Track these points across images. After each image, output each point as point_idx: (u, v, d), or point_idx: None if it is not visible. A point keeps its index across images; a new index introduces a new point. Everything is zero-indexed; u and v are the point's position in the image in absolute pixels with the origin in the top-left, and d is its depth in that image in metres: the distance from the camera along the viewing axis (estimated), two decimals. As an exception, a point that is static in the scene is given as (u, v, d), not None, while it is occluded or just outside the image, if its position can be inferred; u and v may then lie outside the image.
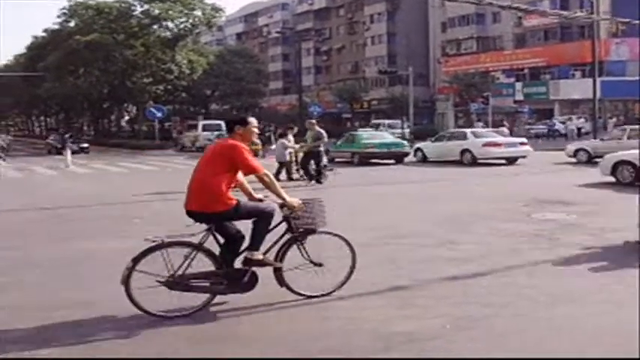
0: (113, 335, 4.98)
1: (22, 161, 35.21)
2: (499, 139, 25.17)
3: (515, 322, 5.11)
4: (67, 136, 37.25)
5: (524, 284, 6.26)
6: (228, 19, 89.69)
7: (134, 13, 55.22)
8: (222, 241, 5.58)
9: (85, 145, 44.54)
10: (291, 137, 19.04)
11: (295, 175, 18.78)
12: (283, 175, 18.23)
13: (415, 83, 53.51)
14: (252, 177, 5.65)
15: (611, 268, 6.86)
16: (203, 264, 5.52)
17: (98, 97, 61.12)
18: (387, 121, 55.03)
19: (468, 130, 27.21)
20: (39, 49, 62.56)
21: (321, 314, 5.49)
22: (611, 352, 4.46)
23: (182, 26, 55.93)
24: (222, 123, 33.82)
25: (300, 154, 18.71)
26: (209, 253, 5.53)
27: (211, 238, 5.54)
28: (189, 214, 5.53)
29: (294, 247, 5.83)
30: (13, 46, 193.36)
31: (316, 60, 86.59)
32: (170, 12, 53.29)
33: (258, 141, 31.70)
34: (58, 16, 57.51)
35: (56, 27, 59.63)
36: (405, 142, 28.09)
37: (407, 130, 46.88)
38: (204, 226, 5.52)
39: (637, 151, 15.61)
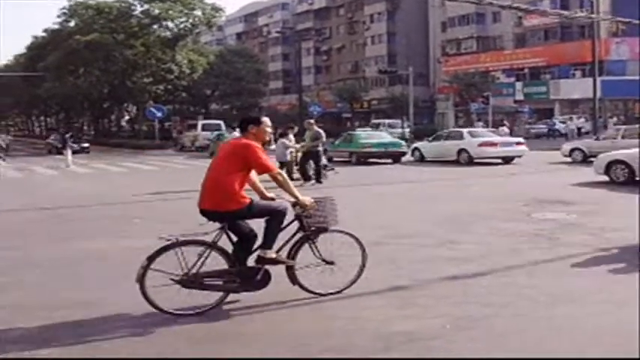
0: (113, 335, 4.98)
1: (22, 161, 35.22)
2: (495, 138, 25.28)
3: (515, 322, 5.11)
4: (67, 135, 37.20)
5: (524, 284, 6.26)
6: (228, 19, 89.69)
7: (134, 13, 55.23)
8: (235, 239, 5.62)
9: (86, 144, 44.56)
10: (291, 137, 19.03)
11: (296, 175, 18.78)
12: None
13: (415, 83, 53.47)
14: (264, 176, 5.67)
15: (611, 268, 6.85)
16: (216, 262, 5.55)
17: (98, 97, 61.12)
18: (387, 121, 55.02)
19: (464, 130, 27.29)
20: (39, 49, 62.56)
21: (321, 314, 5.49)
22: (611, 352, 4.46)
23: (182, 26, 55.93)
24: (222, 123, 33.82)
25: (300, 154, 18.73)
26: (222, 252, 5.56)
27: (224, 236, 5.56)
28: (203, 212, 5.56)
29: (306, 245, 5.87)
30: (13, 46, 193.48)
31: (316, 60, 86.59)
32: (170, 12, 53.29)
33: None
34: (58, 16, 57.60)
35: (56, 27, 59.65)
36: (403, 142, 28.21)
37: (407, 130, 46.85)
38: (216, 225, 5.55)
39: (630, 151, 15.82)
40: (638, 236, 7.92)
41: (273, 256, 5.64)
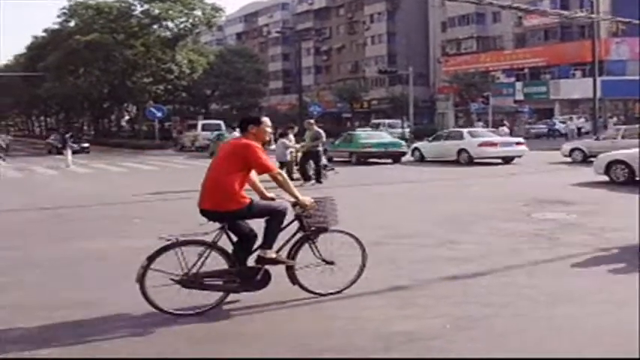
0: (113, 335, 4.98)
1: (22, 161, 35.22)
2: (495, 138, 25.31)
3: (515, 322, 5.11)
4: (67, 135, 37.21)
5: (524, 284, 6.26)
6: (228, 19, 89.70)
7: (134, 13, 55.23)
8: (235, 239, 5.62)
9: (86, 144, 44.58)
10: (291, 137, 19.03)
11: (296, 175, 18.78)
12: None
13: (415, 83, 53.46)
14: (264, 176, 5.68)
15: (611, 268, 6.85)
16: (216, 262, 5.55)
17: (98, 97, 61.10)
18: (387, 121, 55.00)
19: (464, 130, 27.32)
20: (39, 49, 62.56)
21: (321, 314, 5.49)
22: (611, 352, 4.46)
23: (182, 26, 55.93)
24: (222, 123, 33.80)
25: (300, 154, 18.73)
26: (223, 252, 5.57)
27: (224, 236, 5.57)
28: (203, 212, 5.56)
29: (306, 245, 5.88)
30: (13, 46, 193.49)
31: (316, 60, 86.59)
32: (170, 12, 53.29)
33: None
34: (58, 16, 57.60)
35: (56, 27, 59.64)
36: (403, 142, 28.26)
37: (407, 130, 46.84)
38: (216, 225, 5.56)
39: (630, 151, 15.87)
40: (639, 236, 7.92)
41: (274, 256, 5.64)
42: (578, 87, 53.01)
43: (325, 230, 5.92)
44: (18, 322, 5.32)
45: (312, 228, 5.87)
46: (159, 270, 5.32)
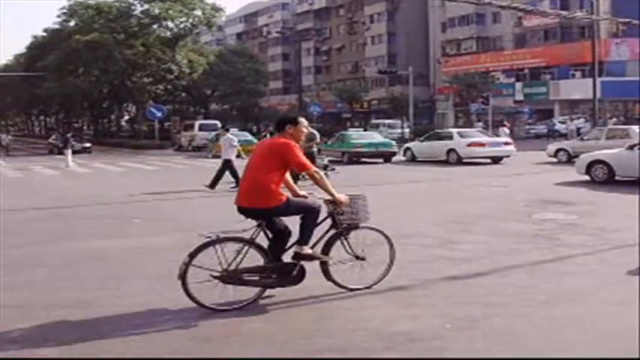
0: (113, 335, 4.97)
1: (23, 161, 35.22)
2: (483, 139, 25.84)
3: (515, 322, 5.11)
4: (69, 135, 37.20)
5: (525, 284, 6.27)
6: (228, 19, 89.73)
7: (134, 13, 55.21)
8: (271, 236, 5.76)
9: (88, 144, 44.63)
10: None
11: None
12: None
13: (415, 83, 53.49)
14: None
15: (610, 269, 6.85)
16: (252, 259, 5.66)
17: (98, 97, 61.07)
18: (386, 121, 55.05)
19: (454, 130, 28.12)
20: (39, 49, 62.54)
21: (321, 313, 5.50)
22: (611, 352, 4.46)
23: (182, 26, 55.90)
24: (219, 123, 33.87)
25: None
26: (260, 249, 5.69)
27: (261, 234, 5.70)
28: (241, 210, 5.69)
29: (338, 242, 6.02)
30: (13, 45, 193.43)
31: (316, 60, 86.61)
32: (170, 11, 53.26)
33: (255, 140, 31.88)
34: (58, 16, 57.54)
35: (56, 27, 59.62)
36: (393, 142, 28.84)
37: (407, 130, 46.88)
38: (246, 224, 5.69)
39: (610, 151, 16.38)
40: (638, 236, 7.93)
41: (310, 252, 5.78)
42: (578, 87, 53.01)
43: (357, 227, 6.08)
44: (17, 321, 5.32)
45: (344, 225, 6.00)
46: (200, 266, 5.43)
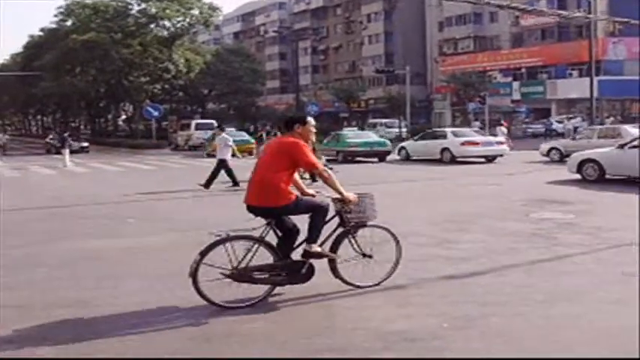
0: (111, 335, 4.97)
1: (20, 160, 35.17)
2: (477, 138, 26.05)
3: (513, 322, 5.12)
4: (66, 135, 37.16)
5: (522, 283, 6.27)
6: (226, 18, 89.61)
7: (131, 12, 55.17)
8: (279, 234, 5.81)
9: (86, 144, 44.58)
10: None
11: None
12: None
13: (412, 82, 53.51)
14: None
15: (608, 268, 6.86)
16: (262, 257, 5.69)
17: (95, 96, 61.01)
18: (383, 121, 55.08)
19: (448, 130, 28.34)
20: (36, 48, 62.50)
21: (320, 313, 5.51)
22: (611, 352, 4.46)
23: (179, 25, 55.90)
24: (215, 122, 33.86)
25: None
26: (270, 247, 5.74)
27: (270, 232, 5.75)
28: (250, 208, 5.73)
29: (346, 240, 6.09)
30: (9, 44, 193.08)
31: (313, 59, 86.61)
32: (167, 11, 53.24)
33: (252, 140, 31.86)
34: (55, 15, 57.59)
35: (53, 26, 59.61)
36: (388, 142, 28.98)
37: (404, 130, 46.87)
38: (255, 223, 5.74)
39: (600, 150, 16.53)
40: (638, 236, 7.94)
41: (319, 250, 5.82)
42: (575, 87, 53.02)
43: (364, 225, 6.13)
44: (17, 321, 5.31)
45: (352, 223, 6.06)
46: (210, 265, 5.46)
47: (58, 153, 34.36)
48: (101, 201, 14.51)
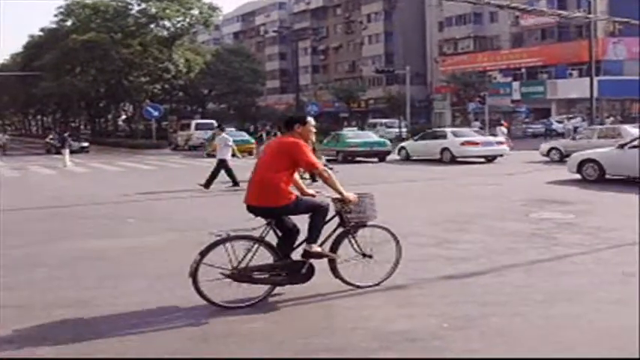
0: (111, 335, 4.97)
1: (20, 160, 35.17)
2: (477, 138, 26.06)
3: (513, 322, 5.12)
4: (66, 135, 37.14)
5: (522, 283, 6.27)
6: (226, 18, 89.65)
7: (131, 12, 55.19)
8: (279, 234, 5.82)
9: (86, 144, 44.56)
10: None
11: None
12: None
13: (412, 82, 53.53)
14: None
15: (608, 268, 6.86)
16: (262, 257, 5.70)
17: (95, 96, 61.01)
18: (383, 121, 55.08)
19: (448, 130, 28.36)
20: (36, 48, 62.51)
21: (320, 313, 5.50)
22: (611, 352, 4.46)
23: (179, 25, 55.93)
24: (215, 122, 33.87)
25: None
26: (270, 247, 5.74)
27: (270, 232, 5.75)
28: (250, 208, 5.73)
29: (346, 240, 6.10)
30: (9, 44, 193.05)
31: (313, 59, 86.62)
32: (167, 11, 53.27)
33: (252, 140, 31.86)
34: (55, 15, 57.59)
35: (53, 26, 59.62)
36: (388, 142, 28.99)
37: (404, 130, 46.87)
38: (255, 223, 5.74)
39: (600, 150, 16.53)
40: (638, 236, 7.94)
41: (319, 250, 5.82)
42: (575, 87, 53.01)
43: (364, 225, 6.14)
44: (16, 321, 5.31)
45: (352, 223, 6.06)
46: (210, 265, 5.46)
47: (58, 153, 34.34)
48: (101, 201, 14.51)
